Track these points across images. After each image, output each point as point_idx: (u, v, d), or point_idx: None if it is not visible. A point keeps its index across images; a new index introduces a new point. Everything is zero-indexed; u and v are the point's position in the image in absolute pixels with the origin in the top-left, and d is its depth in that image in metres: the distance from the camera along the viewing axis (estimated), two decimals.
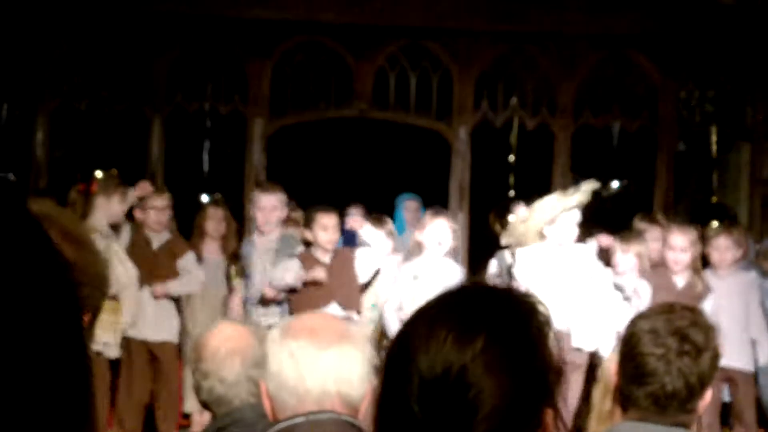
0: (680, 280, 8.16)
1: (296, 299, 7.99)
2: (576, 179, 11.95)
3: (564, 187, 11.68)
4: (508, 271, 7.60)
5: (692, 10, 11.45)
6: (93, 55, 11.59)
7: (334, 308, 7.78)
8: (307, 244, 8.27)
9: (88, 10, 11.26)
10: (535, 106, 12.12)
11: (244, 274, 8.84)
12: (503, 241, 7.88)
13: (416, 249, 8.02)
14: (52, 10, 11.22)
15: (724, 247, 8.52)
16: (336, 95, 11.97)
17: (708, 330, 2.93)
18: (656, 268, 8.33)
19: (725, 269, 8.53)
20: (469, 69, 11.93)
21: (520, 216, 7.94)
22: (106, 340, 8.18)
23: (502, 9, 11.62)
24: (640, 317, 3.02)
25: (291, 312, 7.86)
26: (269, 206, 8.42)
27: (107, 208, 8.27)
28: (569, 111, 12.05)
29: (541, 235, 7.63)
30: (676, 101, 12.05)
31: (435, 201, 11.44)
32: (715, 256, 8.62)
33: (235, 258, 9.71)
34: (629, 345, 2.94)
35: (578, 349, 7.50)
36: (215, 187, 12.16)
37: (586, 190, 7.71)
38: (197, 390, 3.67)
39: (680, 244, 8.07)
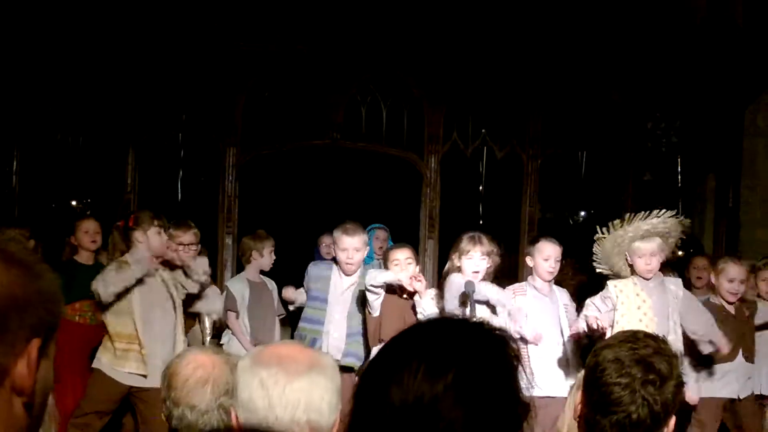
0: (731, 308, 8.64)
1: (384, 306, 8.06)
2: (543, 209, 12.09)
3: (531, 217, 11.83)
4: (471, 301, 7.64)
5: (659, 41, 11.59)
6: (67, 86, 11.64)
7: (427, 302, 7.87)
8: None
9: (63, 39, 11.32)
10: (504, 136, 12.24)
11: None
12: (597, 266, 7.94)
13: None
14: (19, 47, 11.26)
15: None
16: (308, 125, 12.05)
17: (671, 358, 2.94)
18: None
19: None
20: (439, 99, 12.04)
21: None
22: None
23: (473, 40, 11.75)
24: (604, 347, 2.99)
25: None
26: (351, 247, 8.45)
27: (146, 242, 8.27)
28: (538, 141, 12.18)
29: (626, 266, 7.74)
30: (642, 132, 12.18)
31: (405, 229, 11.56)
32: (763, 287, 9.20)
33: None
34: (594, 374, 2.94)
35: None
36: (189, 215, 12.17)
37: (674, 222, 7.75)
38: (168, 418, 3.65)
39: (739, 276, 8.40)
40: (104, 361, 8.06)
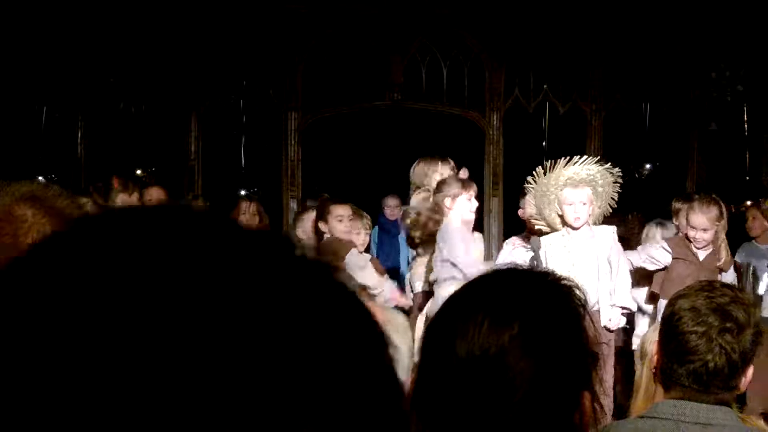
0: (702, 253, 8.28)
1: None
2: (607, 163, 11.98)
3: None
4: (538, 258, 7.60)
5: None
6: (128, 55, 11.73)
7: None
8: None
9: (125, 9, 11.39)
10: (566, 91, 12.17)
11: None
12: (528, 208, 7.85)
13: None
14: (83, 17, 11.35)
15: None
16: (369, 87, 12.06)
17: (749, 307, 2.90)
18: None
19: None
20: (499, 55, 11.98)
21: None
22: None
23: None
24: (680, 296, 2.96)
25: None
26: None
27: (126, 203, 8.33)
28: (600, 94, 12.09)
29: (558, 217, 7.65)
30: (706, 81, 12.04)
31: None
32: None
33: None
34: (670, 323, 2.91)
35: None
36: (253, 181, 12.27)
37: (600, 169, 7.62)
38: None
39: (701, 224, 8.13)
40: None
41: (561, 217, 7.59)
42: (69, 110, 11.84)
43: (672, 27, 11.83)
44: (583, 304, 1.74)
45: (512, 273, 1.82)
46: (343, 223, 8.18)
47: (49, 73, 11.59)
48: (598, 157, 7.63)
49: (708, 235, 8.13)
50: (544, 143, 12.50)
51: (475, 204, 7.81)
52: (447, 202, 7.73)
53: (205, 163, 12.02)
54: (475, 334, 1.65)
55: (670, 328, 2.92)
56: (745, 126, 12.15)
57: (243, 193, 11.65)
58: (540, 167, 7.52)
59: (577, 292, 1.75)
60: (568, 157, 7.51)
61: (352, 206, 8.86)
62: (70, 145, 11.87)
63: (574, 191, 7.49)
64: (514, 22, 11.82)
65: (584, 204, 7.48)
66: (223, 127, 12.39)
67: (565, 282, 1.76)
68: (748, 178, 12.25)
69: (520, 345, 1.63)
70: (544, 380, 1.64)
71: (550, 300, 1.71)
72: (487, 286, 1.77)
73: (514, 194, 8.74)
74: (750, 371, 2.92)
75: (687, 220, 8.19)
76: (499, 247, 10.43)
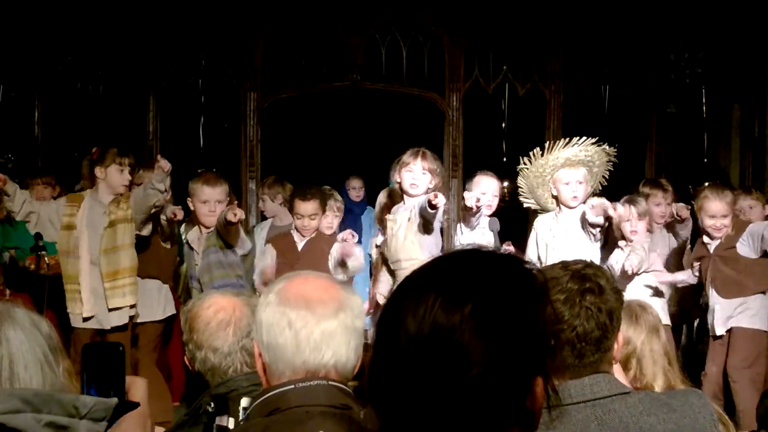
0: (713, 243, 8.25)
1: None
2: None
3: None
4: (497, 237, 7.61)
5: None
6: (86, 34, 11.64)
7: None
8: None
9: None
10: (526, 72, 12.19)
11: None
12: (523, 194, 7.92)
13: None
14: None
15: None
16: (328, 67, 12.03)
17: (602, 269, 2.97)
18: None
19: None
20: (459, 36, 11.98)
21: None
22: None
23: None
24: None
25: None
26: (213, 199, 8.45)
27: (104, 178, 8.24)
28: (560, 76, 12.12)
29: (551, 197, 7.71)
30: (665, 64, 12.09)
31: None
32: None
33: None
34: None
35: None
36: (212, 161, 12.19)
37: (597, 150, 7.69)
38: (191, 361, 3.66)
39: (720, 211, 8.10)
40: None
41: (555, 197, 7.66)
42: (26, 89, 11.73)
43: (631, 9, 11.86)
44: (544, 288, 1.74)
45: (473, 254, 1.78)
46: (303, 221, 8.23)
47: (5, 52, 11.46)
48: (596, 138, 7.70)
49: (727, 221, 8.11)
50: (503, 124, 12.52)
51: (416, 177, 7.74)
52: (395, 173, 7.79)
53: (163, 143, 11.93)
54: (426, 313, 1.64)
55: None
56: (704, 108, 12.20)
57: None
58: (537, 149, 7.60)
59: (539, 275, 1.74)
60: (567, 139, 7.62)
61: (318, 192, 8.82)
62: (27, 125, 11.75)
63: (570, 171, 7.58)
64: (474, 2, 11.82)
65: (580, 183, 7.56)
66: (182, 107, 12.31)
67: (527, 266, 1.75)
68: (706, 160, 12.33)
69: (472, 325, 1.62)
70: (496, 362, 1.63)
71: (507, 283, 1.70)
72: (446, 265, 1.75)
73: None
74: (621, 336, 2.94)
75: (703, 210, 8.11)
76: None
